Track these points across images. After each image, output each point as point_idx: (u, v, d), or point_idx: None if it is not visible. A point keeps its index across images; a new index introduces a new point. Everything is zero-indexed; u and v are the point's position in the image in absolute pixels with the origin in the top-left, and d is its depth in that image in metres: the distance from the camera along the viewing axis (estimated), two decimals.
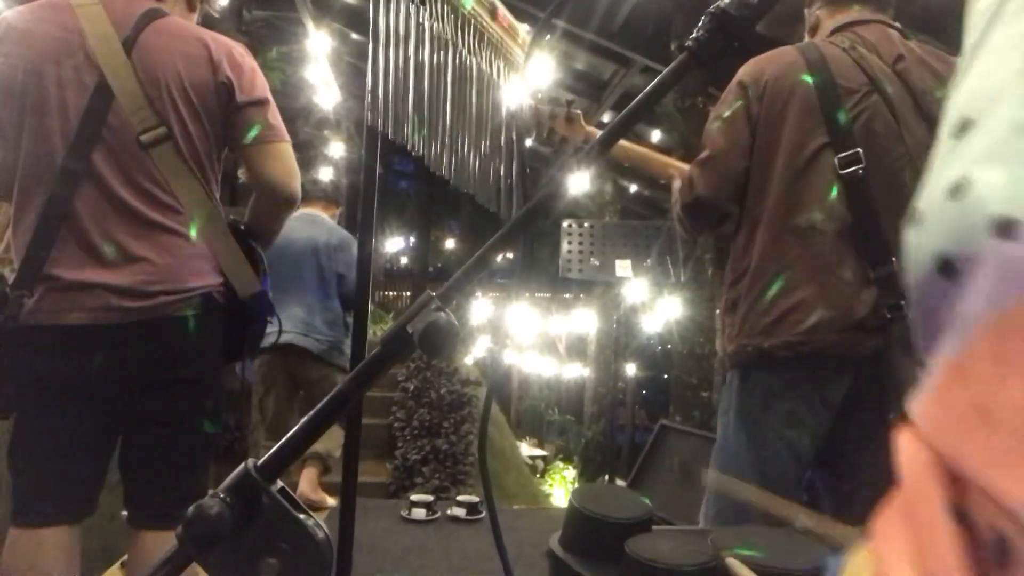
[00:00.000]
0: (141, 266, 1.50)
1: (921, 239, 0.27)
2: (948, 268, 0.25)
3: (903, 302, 1.40)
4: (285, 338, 3.07)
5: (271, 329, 1.77)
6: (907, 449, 0.26)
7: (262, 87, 1.64)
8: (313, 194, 3.51)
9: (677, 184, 1.84)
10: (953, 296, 0.25)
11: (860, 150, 1.47)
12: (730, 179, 1.58)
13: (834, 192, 1.48)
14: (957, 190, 0.25)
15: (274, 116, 1.64)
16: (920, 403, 0.26)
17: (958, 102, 0.29)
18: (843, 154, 1.48)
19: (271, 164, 1.63)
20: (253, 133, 1.61)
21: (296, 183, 1.67)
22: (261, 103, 1.62)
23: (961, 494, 0.24)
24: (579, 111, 1.95)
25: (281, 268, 2.99)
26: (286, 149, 1.66)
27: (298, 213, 2.93)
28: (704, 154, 1.61)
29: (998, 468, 0.22)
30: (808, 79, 1.51)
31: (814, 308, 1.45)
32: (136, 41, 1.52)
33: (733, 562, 0.69)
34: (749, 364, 1.54)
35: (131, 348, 1.51)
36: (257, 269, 1.66)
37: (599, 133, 1.96)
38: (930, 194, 0.27)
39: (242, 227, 1.68)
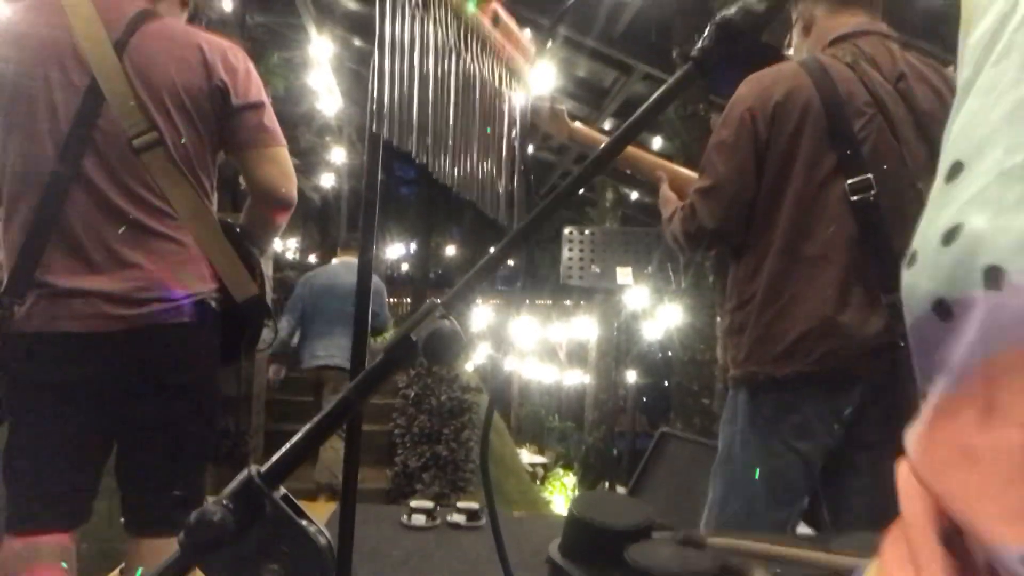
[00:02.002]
0: (134, 272, 1.48)
1: (916, 280, 0.27)
2: (943, 310, 0.26)
3: None
4: (330, 359, 4.34)
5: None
6: (904, 478, 0.28)
7: (257, 90, 1.62)
8: (353, 245, 4.73)
9: (666, 190, 1.81)
10: (947, 337, 0.25)
11: (871, 176, 1.44)
12: (735, 210, 1.54)
13: (844, 220, 1.45)
14: (950, 236, 0.26)
15: (270, 119, 1.62)
16: (912, 438, 0.28)
17: (951, 142, 0.30)
18: (853, 180, 1.44)
19: (266, 168, 1.61)
20: (248, 137, 1.61)
21: (292, 188, 1.65)
22: (257, 106, 1.60)
23: (953, 522, 0.25)
24: (563, 107, 1.90)
25: (344, 306, 4.17)
26: (282, 153, 1.64)
27: (349, 261, 4.58)
28: (707, 183, 1.55)
29: (977, 506, 0.23)
30: (817, 102, 1.47)
31: (824, 338, 1.43)
32: (128, 43, 1.49)
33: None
34: (758, 387, 1.52)
35: (125, 356, 1.49)
36: (253, 273, 1.64)
37: (582, 128, 1.93)
38: (924, 236, 0.28)
39: (237, 230, 1.67)
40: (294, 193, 1.66)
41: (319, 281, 4.59)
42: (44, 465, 1.50)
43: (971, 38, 0.32)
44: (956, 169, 0.28)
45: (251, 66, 1.63)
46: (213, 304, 1.57)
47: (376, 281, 4.29)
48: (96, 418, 1.52)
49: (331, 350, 4.37)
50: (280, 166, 1.63)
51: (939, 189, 0.29)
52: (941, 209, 0.27)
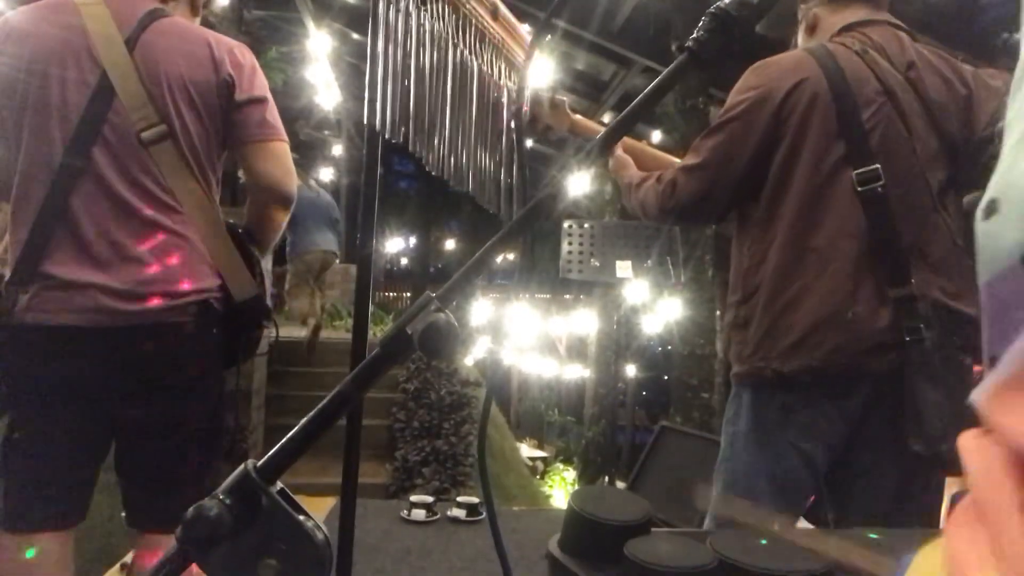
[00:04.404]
0: (136, 267, 1.48)
1: (1000, 230, 0.24)
2: None
3: (922, 325, 1.36)
4: (328, 247, 6.00)
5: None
6: (976, 448, 0.25)
7: (261, 85, 1.64)
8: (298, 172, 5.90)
9: (621, 153, 1.77)
10: None
11: (878, 166, 1.41)
12: (717, 192, 1.51)
13: (852, 211, 1.42)
14: None
15: (272, 115, 1.64)
16: (993, 396, 0.24)
17: None
18: (861, 170, 1.42)
19: (267, 162, 1.63)
20: (250, 131, 1.62)
21: (292, 183, 1.67)
22: (260, 101, 1.62)
23: None
24: (564, 99, 1.87)
25: (319, 211, 5.94)
26: (283, 148, 1.66)
27: (312, 183, 6.19)
28: (695, 161, 1.52)
29: None
30: (826, 90, 1.45)
31: (832, 331, 1.41)
32: (139, 40, 1.52)
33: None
34: (765, 384, 1.49)
35: (123, 353, 1.49)
36: (253, 272, 1.64)
37: (583, 120, 1.93)
38: (1008, 182, 0.24)
39: (240, 230, 1.67)
40: (293, 189, 1.68)
41: (302, 194, 5.86)
42: (41, 462, 1.50)
43: None
44: None
45: (256, 63, 1.66)
46: (215, 303, 1.57)
47: (330, 199, 6.28)
48: (94, 415, 1.52)
49: (327, 239, 5.99)
50: (280, 161, 1.65)
51: (1019, 133, 0.25)
52: None
